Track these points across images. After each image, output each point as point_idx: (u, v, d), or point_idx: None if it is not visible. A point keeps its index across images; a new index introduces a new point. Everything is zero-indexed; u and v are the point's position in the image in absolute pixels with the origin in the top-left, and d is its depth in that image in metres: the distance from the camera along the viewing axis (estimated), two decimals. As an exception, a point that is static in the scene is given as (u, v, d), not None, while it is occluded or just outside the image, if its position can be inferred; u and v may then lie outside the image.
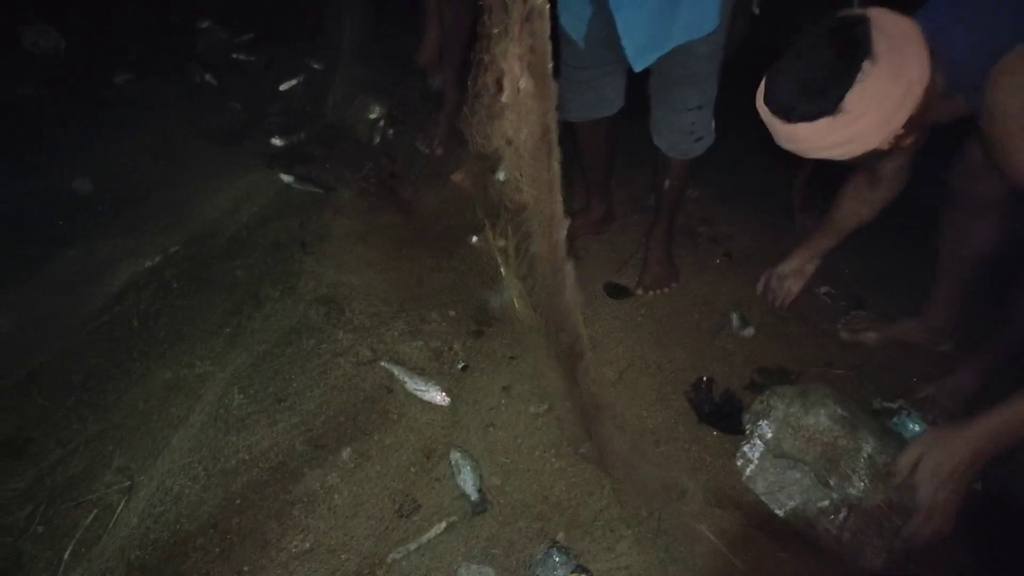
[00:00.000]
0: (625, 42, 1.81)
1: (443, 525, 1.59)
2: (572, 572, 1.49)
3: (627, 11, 1.76)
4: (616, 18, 1.77)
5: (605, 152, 2.31)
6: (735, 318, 2.15)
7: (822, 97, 1.23)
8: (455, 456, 1.71)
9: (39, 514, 1.56)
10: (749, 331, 2.11)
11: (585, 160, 2.33)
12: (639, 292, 2.24)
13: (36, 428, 1.75)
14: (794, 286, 2.10)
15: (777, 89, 1.31)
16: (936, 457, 1.44)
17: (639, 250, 2.33)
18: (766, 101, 1.33)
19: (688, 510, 1.65)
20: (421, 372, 1.90)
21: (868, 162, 1.48)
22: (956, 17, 1.28)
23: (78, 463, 1.68)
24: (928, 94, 1.25)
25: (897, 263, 2.44)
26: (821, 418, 1.67)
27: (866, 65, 1.20)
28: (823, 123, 1.25)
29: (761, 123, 1.38)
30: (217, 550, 1.52)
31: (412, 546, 1.55)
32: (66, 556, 1.49)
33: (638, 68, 1.86)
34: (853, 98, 1.21)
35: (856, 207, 1.87)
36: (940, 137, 1.50)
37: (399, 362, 1.93)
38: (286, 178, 2.54)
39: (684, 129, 1.98)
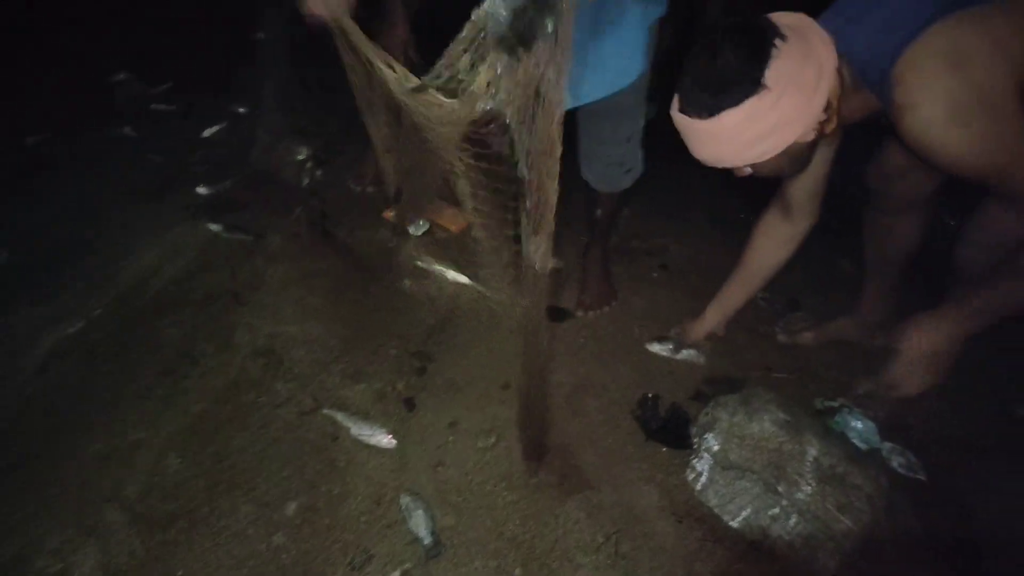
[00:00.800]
0: None
1: (397, 574, 1.55)
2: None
3: None
4: None
5: None
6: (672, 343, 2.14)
7: (742, 80, 1.22)
8: (405, 500, 1.67)
9: (-31, 609, 1.48)
10: (688, 353, 2.11)
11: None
12: (579, 313, 2.24)
13: (-37, 515, 1.66)
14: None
15: (692, 91, 1.28)
16: (917, 337, 1.49)
17: (575, 272, 2.34)
18: (682, 108, 1.30)
19: (644, 531, 1.64)
20: (365, 416, 1.86)
21: (792, 165, 1.47)
22: (849, 18, 1.32)
23: (10, 548, 1.59)
24: (840, 77, 1.28)
25: (829, 264, 2.50)
26: (765, 425, 1.69)
27: (778, 42, 1.21)
28: (749, 105, 1.23)
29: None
30: (160, 627, 1.46)
31: (366, 600, 1.51)
32: (-4, 653, 1.41)
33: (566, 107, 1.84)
34: (772, 73, 1.20)
35: (770, 246, 1.84)
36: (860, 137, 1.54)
37: (342, 408, 1.89)
38: (214, 227, 2.48)
39: (614, 161, 1.99)
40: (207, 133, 2.98)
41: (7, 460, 1.78)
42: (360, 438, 1.82)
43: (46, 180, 2.72)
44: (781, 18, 1.27)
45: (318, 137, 2.88)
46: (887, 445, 1.80)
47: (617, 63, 1.76)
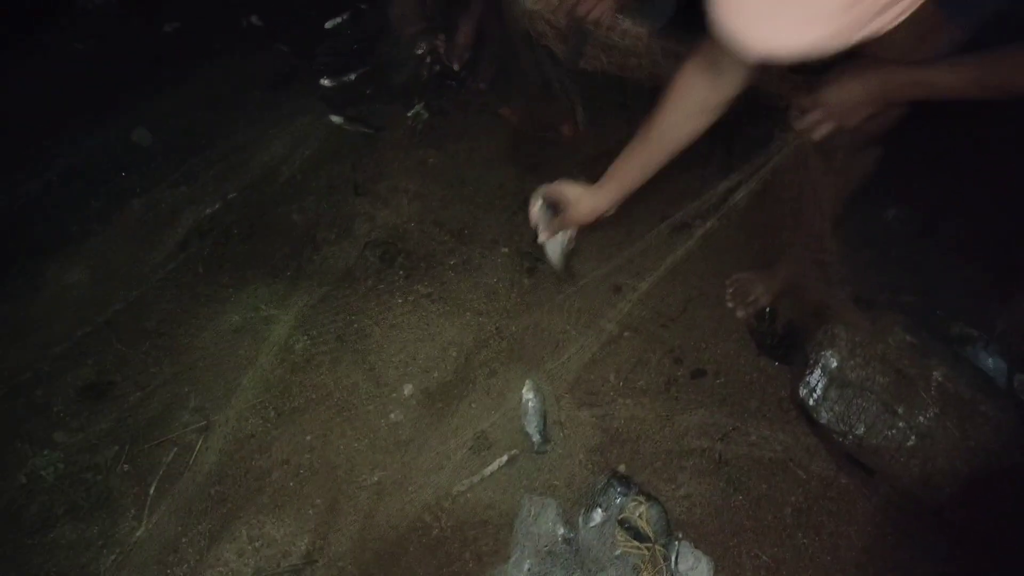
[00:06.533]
0: None
1: (505, 458, 1.63)
2: (635, 495, 1.51)
3: None
4: None
5: None
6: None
7: None
8: (527, 394, 1.71)
9: (124, 454, 1.66)
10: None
11: None
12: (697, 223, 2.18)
13: (116, 372, 1.84)
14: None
15: None
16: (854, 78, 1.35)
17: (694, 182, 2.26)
18: None
19: (749, 441, 1.65)
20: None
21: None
22: None
23: (157, 404, 1.77)
24: None
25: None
26: (890, 345, 1.62)
27: None
28: None
29: None
30: (291, 484, 1.60)
31: (476, 479, 1.60)
32: (151, 492, 1.58)
33: None
34: None
35: (688, 112, 1.40)
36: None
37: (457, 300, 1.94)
38: (336, 119, 2.53)
39: None
40: (330, 24, 2.98)
41: (149, 326, 1.95)
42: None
43: (181, 67, 2.82)
44: None
45: (439, 29, 2.84)
46: (1021, 376, 1.70)
47: None
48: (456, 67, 2.68)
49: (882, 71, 1.33)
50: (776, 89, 1.53)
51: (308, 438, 1.66)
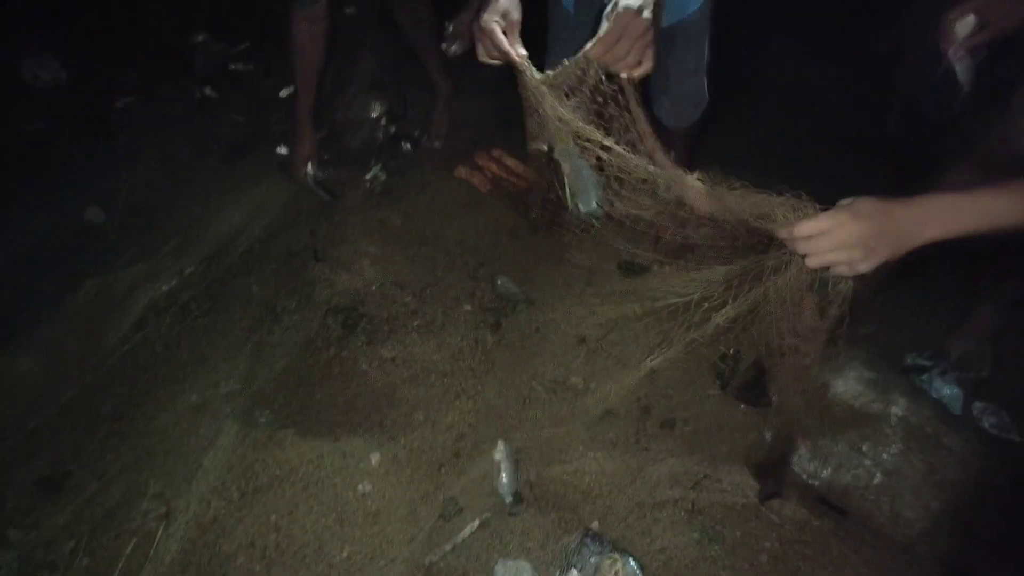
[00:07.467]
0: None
1: (476, 523, 1.60)
2: (609, 553, 1.49)
3: None
4: None
5: None
6: None
7: None
8: (497, 455, 1.69)
9: (82, 547, 1.60)
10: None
11: None
12: (655, 268, 2.20)
13: (72, 462, 1.79)
14: None
15: None
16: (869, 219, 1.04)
17: (652, 226, 2.29)
18: None
19: (721, 487, 1.64)
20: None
21: None
22: None
23: (115, 493, 1.71)
24: None
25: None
26: (850, 383, 1.64)
27: None
28: None
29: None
30: (258, 568, 1.55)
31: (448, 547, 1.57)
32: (111, 587, 1.53)
33: None
34: None
35: None
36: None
37: (421, 365, 1.92)
38: (294, 186, 2.53)
39: (683, 95, 1.95)
40: (284, 93, 3.01)
41: (107, 411, 1.89)
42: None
43: (134, 142, 2.80)
44: None
45: (392, 91, 2.87)
46: (979, 404, 1.73)
47: None
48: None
49: (926, 202, 1.07)
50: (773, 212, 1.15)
51: (274, 517, 1.62)
